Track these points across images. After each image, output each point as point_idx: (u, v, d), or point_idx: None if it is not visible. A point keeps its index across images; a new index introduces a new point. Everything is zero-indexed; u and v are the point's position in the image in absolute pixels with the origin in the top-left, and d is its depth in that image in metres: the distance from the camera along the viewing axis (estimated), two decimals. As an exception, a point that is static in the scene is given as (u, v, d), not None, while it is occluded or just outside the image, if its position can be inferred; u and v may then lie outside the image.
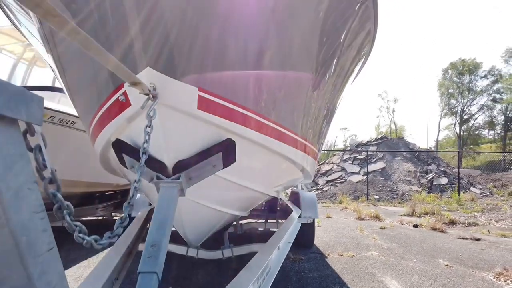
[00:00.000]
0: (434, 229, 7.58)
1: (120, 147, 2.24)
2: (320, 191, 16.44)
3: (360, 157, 18.64)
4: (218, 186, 2.44)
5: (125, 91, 1.93)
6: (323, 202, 14.00)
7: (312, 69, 2.74)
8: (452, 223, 8.43)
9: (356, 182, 16.52)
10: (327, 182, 17.51)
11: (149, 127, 1.74)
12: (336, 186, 16.76)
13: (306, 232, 5.34)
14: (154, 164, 2.05)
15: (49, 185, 1.11)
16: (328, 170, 18.47)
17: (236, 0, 2.02)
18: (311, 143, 3.30)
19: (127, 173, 2.78)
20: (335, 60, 3.02)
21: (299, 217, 4.75)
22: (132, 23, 1.68)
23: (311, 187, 17.42)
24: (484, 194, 15.99)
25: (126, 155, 2.22)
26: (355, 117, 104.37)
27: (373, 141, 21.03)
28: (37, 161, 1.05)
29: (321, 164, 19.96)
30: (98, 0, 1.75)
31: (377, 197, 14.61)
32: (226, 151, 2.15)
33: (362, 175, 16.86)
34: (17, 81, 6.30)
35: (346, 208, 11.65)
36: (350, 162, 18.63)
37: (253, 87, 2.27)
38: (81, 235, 1.23)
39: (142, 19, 1.69)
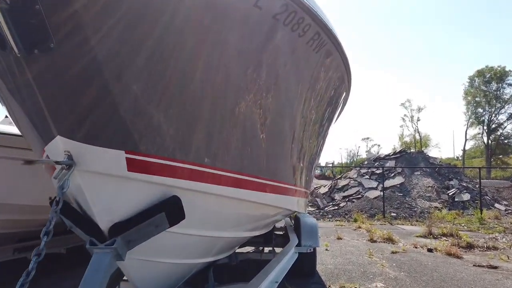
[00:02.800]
0: (449, 254, 7.17)
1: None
2: (336, 207, 16.07)
3: (378, 171, 18.14)
4: (176, 241, 2.26)
5: (47, 154, 1.87)
6: (337, 220, 13.61)
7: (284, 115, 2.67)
8: (470, 246, 7.99)
9: (373, 198, 16.05)
10: (344, 197, 17.13)
11: (59, 202, 1.66)
12: (353, 202, 16.35)
13: (307, 261, 5.09)
14: (91, 227, 1.95)
15: None
16: (344, 185, 18.09)
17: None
18: (284, 182, 3.12)
19: None
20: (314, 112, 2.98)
21: (298, 245, 4.55)
22: (42, 93, 1.60)
23: (327, 202, 17.09)
24: (510, 211, 15.19)
25: (63, 216, 2.11)
26: (378, 127, 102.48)
27: (392, 155, 20.46)
28: None
29: (338, 178, 19.59)
30: (8, 73, 1.69)
31: (394, 214, 14.11)
32: (170, 209, 2.01)
33: (380, 191, 16.37)
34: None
35: (359, 227, 11.29)
36: (367, 176, 18.17)
37: (197, 138, 2.14)
38: None
39: (53, 88, 1.61)
